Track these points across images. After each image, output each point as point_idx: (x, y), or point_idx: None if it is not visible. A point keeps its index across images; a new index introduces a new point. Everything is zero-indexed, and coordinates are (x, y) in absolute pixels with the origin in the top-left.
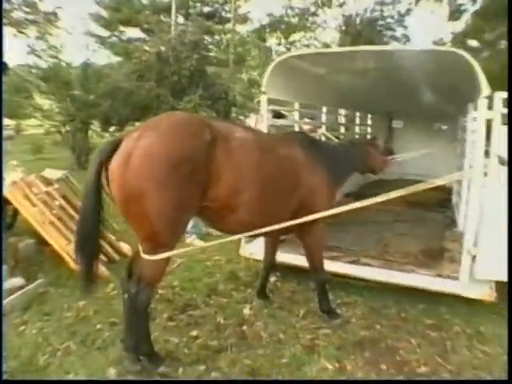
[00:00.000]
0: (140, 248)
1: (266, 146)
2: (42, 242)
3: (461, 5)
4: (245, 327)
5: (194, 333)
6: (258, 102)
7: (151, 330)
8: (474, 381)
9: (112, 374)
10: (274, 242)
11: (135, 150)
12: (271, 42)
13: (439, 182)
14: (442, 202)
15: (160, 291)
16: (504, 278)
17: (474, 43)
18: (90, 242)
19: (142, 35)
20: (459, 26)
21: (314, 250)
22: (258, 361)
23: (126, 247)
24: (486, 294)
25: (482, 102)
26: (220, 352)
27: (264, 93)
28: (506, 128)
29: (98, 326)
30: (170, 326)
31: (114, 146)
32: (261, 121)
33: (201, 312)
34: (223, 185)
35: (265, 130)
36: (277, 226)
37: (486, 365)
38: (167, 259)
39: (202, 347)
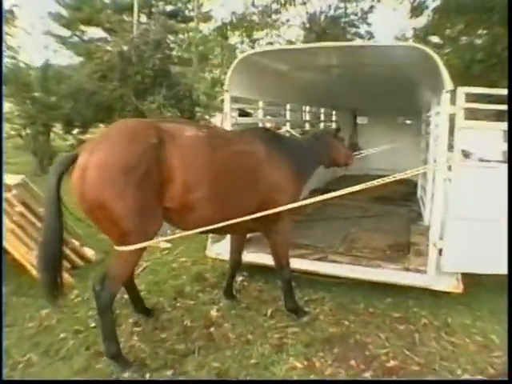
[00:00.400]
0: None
1: (220, 142)
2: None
3: (422, 2)
4: (212, 329)
5: (161, 337)
6: (222, 100)
7: (117, 335)
8: (474, 381)
9: None
10: (239, 240)
11: (89, 164)
12: (234, 40)
13: (405, 175)
14: (407, 196)
15: (125, 296)
16: (470, 270)
17: (435, 39)
18: (52, 252)
19: (104, 35)
20: (421, 22)
21: (280, 248)
22: (225, 362)
23: (89, 252)
24: (454, 285)
25: (445, 97)
26: (187, 355)
27: (227, 91)
28: (468, 123)
29: (62, 335)
30: (136, 331)
31: (71, 161)
32: (225, 119)
33: (167, 315)
34: (176, 184)
35: (229, 129)
36: (237, 220)
37: (453, 356)
38: (135, 258)
39: (169, 351)
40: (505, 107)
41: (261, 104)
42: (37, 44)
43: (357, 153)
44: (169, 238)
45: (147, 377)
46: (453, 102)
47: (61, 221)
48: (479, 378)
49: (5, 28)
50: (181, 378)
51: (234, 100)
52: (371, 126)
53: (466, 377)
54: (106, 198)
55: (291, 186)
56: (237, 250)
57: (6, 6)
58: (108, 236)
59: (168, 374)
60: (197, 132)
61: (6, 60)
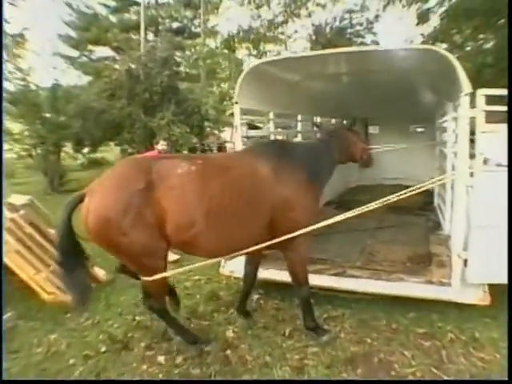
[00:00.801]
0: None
1: (213, 173)
2: (10, 272)
3: (428, 9)
4: (228, 351)
5: (175, 361)
6: (231, 114)
7: (128, 360)
8: (474, 381)
9: None
10: (255, 254)
11: (89, 208)
12: (242, 53)
13: (428, 185)
14: (423, 205)
15: (137, 318)
16: (498, 280)
17: (443, 46)
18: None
19: (112, 53)
20: (428, 29)
21: (298, 265)
22: None
23: (100, 272)
24: (480, 298)
25: (464, 100)
26: (203, 381)
27: (236, 102)
28: (489, 126)
29: (71, 361)
30: (148, 356)
31: (79, 200)
32: (235, 132)
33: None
34: (170, 224)
35: (239, 142)
36: (249, 249)
37: (484, 372)
38: (162, 278)
39: (183, 376)
40: None
41: (271, 115)
42: (46, 65)
43: (372, 147)
44: (191, 267)
45: None
46: (472, 105)
47: (78, 250)
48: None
49: (15, 51)
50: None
51: (244, 113)
52: (383, 135)
53: None
54: (106, 237)
55: (304, 199)
56: (251, 263)
57: (16, 30)
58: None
59: None
60: (189, 167)
61: (16, 81)
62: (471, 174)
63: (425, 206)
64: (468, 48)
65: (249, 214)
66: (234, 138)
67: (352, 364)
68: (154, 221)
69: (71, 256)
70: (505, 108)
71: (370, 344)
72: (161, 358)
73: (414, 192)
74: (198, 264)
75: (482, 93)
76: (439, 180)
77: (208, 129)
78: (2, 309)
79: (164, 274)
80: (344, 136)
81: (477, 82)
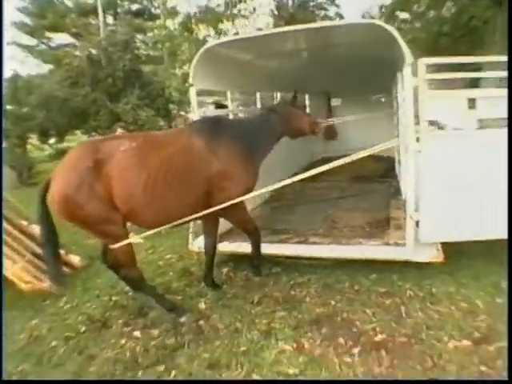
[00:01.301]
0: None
1: (152, 148)
2: None
3: None
4: (201, 321)
5: (151, 334)
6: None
7: (107, 338)
8: (474, 381)
9: None
10: (209, 224)
11: (52, 190)
12: (201, 33)
13: (372, 151)
14: (386, 172)
15: (114, 298)
16: (449, 238)
17: (404, 15)
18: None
19: (72, 40)
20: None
21: (242, 223)
22: (215, 353)
23: (75, 259)
24: (434, 256)
25: (407, 70)
26: (178, 349)
27: (192, 85)
28: (431, 93)
29: (53, 343)
30: (125, 332)
31: (47, 184)
32: (193, 113)
33: (156, 313)
34: (116, 196)
35: None
36: (187, 219)
37: (439, 324)
38: (129, 247)
39: (159, 347)
40: (469, 74)
41: (229, 95)
42: (3, 55)
43: (327, 120)
44: (147, 233)
45: (139, 374)
46: (415, 74)
47: (54, 229)
48: (477, 378)
49: None
50: (173, 372)
51: (208, 93)
52: (345, 107)
53: (453, 342)
54: (70, 212)
55: (237, 170)
56: (209, 236)
57: None
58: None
59: (160, 369)
60: (130, 144)
61: None
62: (417, 140)
63: (387, 173)
64: (430, 16)
65: (184, 186)
66: (195, 119)
67: (317, 324)
68: (104, 194)
69: (51, 237)
70: (447, 75)
71: (334, 305)
72: (137, 333)
73: (362, 155)
74: (146, 233)
75: (422, 62)
76: (385, 145)
77: (175, 111)
78: (1, 309)
79: (127, 241)
80: (285, 111)
81: (434, 51)
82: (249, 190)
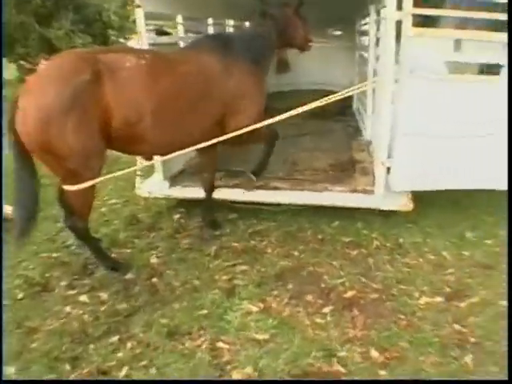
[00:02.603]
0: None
1: (162, 68)
2: None
3: None
4: (155, 279)
5: (100, 298)
6: (135, 21)
7: (49, 305)
8: (474, 381)
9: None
10: (208, 160)
11: (27, 106)
12: None
13: (352, 91)
14: (342, 109)
15: (54, 254)
16: (421, 187)
17: None
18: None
19: None
20: None
21: (262, 134)
22: (175, 318)
23: (7, 208)
24: (404, 204)
25: (391, 2)
26: (132, 315)
27: (139, 6)
28: (417, 30)
29: None
30: (70, 295)
31: (15, 104)
32: (140, 40)
33: (103, 270)
34: (118, 117)
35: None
36: (202, 145)
37: (409, 278)
38: (91, 193)
39: (110, 314)
40: (458, 13)
41: (180, 20)
42: None
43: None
44: (125, 171)
45: (91, 347)
46: (399, 7)
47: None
48: (478, 377)
49: None
50: (128, 344)
51: (149, 17)
52: None
53: (424, 299)
54: (46, 140)
55: (253, 87)
56: (207, 171)
57: None
58: (56, 175)
59: (114, 339)
60: (138, 61)
61: None
62: (396, 81)
63: (344, 110)
64: None
65: (200, 107)
66: (140, 45)
67: (282, 280)
68: (98, 117)
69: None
70: (436, 11)
71: (298, 257)
72: (84, 297)
73: (340, 96)
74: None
75: None
76: (364, 86)
77: (113, 37)
78: (1, 309)
79: (95, 181)
80: (286, 18)
81: None
82: (261, 111)
